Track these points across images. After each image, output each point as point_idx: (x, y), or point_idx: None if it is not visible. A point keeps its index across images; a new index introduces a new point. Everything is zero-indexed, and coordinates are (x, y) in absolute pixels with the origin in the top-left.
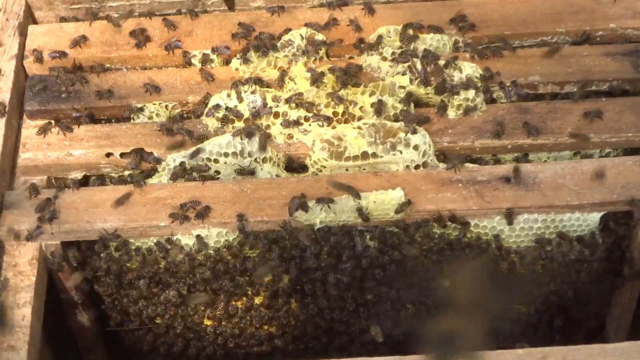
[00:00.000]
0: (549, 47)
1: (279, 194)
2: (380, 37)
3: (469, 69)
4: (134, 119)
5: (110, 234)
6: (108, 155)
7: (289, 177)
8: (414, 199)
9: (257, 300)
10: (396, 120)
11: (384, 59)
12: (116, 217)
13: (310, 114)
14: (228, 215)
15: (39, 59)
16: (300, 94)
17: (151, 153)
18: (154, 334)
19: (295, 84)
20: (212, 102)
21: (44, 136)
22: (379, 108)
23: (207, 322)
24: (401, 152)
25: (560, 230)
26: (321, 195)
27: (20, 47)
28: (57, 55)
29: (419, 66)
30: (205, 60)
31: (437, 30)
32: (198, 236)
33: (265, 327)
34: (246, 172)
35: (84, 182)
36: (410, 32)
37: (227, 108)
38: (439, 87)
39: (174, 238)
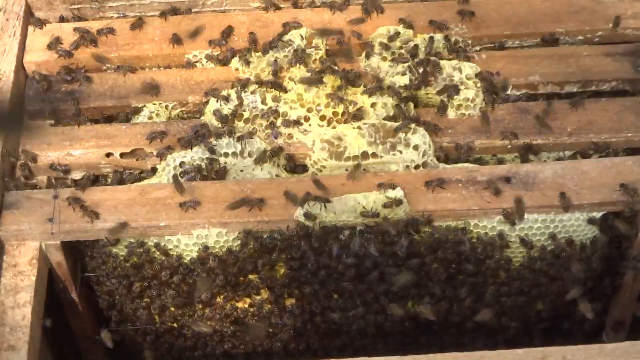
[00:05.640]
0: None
1: (279, 194)
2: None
3: (468, 69)
4: (134, 119)
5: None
6: (108, 155)
7: (289, 177)
8: (413, 198)
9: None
10: (395, 120)
11: (384, 59)
12: (116, 217)
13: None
14: (228, 215)
15: (52, 47)
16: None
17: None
18: (155, 334)
19: (295, 84)
20: (211, 102)
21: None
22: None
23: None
24: (401, 152)
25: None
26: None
27: (20, 47)
28: (63, 53)
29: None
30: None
31: (439, 28)
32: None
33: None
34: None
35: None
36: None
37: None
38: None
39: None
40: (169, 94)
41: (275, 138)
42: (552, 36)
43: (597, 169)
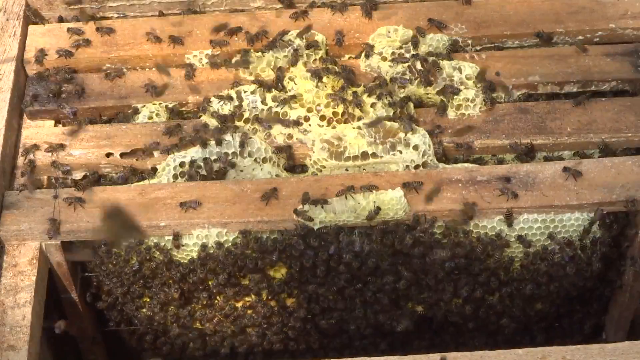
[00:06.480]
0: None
1: (278, 194)
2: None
3: (468, 69)
4: (134, 119)
5: None
6: (108, 155)
7: (289, 177)
8: (413, 199)
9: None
10: (395, 120)
11: (384, 59)
12: None
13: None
14: (228, 215)
15: (40, 60)
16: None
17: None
18: (153, 334)
19: (295, 84)
20: (212, 102)
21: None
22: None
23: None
24: (401, 152)
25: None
26: (321, 195)
27: (20, 47)
28: (63, 53)
29: (418, 66)
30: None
31: (439, 27)
32: None
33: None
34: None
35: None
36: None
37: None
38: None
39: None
40: (169, 94)
41: (270, 128)
42: (546, 34)
43: (597, 169)
